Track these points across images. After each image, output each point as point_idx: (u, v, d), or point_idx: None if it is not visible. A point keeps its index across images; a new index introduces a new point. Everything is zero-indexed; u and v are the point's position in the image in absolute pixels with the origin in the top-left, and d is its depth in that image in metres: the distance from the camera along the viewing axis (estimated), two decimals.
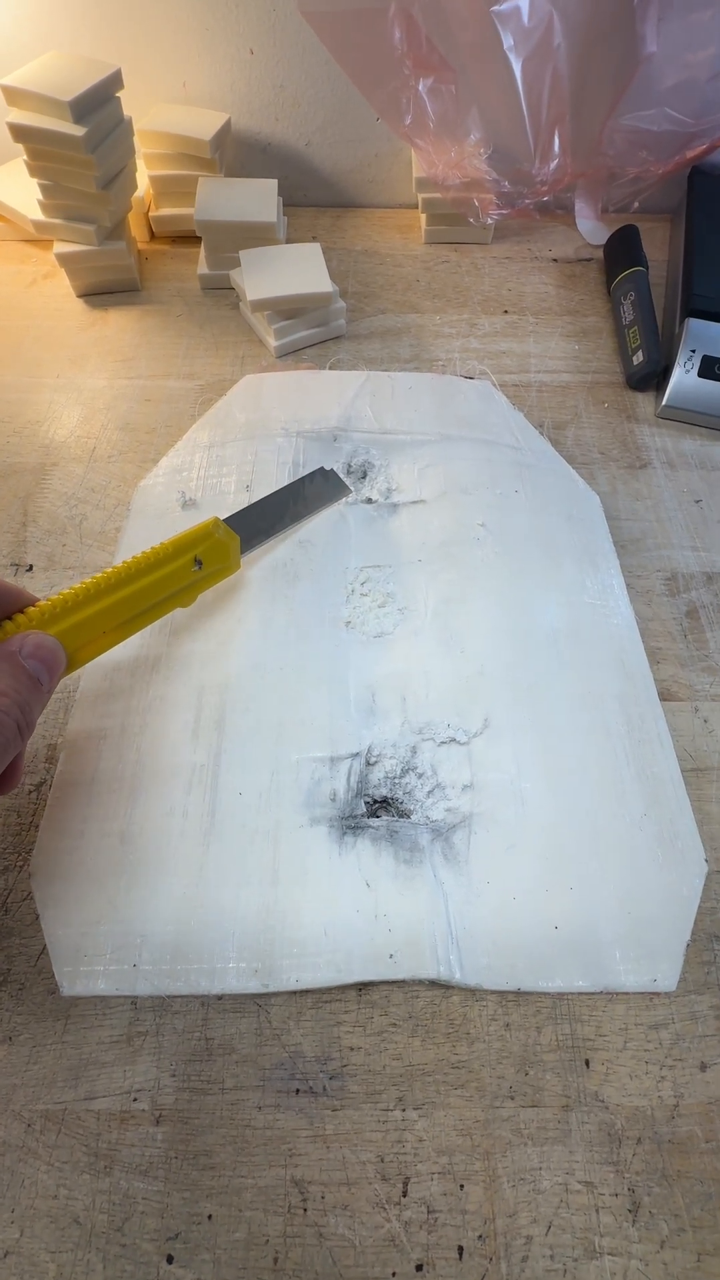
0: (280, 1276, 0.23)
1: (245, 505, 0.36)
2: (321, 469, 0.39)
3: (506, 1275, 0.23)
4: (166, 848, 0.28)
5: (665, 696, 0.35)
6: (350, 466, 0.42)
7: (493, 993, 0.28)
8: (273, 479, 0.40)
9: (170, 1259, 0.23)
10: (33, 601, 0.26)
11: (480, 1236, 0.24)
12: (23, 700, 0.22)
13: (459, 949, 0.27)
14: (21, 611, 0.25)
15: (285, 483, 0.40)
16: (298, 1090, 0.26)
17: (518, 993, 0.27)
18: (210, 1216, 0.24)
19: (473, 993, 0.28)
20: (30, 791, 0.32)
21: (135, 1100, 0.26)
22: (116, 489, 0.42)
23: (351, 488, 0.39)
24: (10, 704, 0.21)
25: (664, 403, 0.46)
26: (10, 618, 0.25)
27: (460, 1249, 0.24)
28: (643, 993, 0.28)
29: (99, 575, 0.28)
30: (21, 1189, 0.24)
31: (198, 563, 0.32)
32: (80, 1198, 0.24)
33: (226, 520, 0.34)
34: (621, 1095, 0.26)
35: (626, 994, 0.28)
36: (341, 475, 0.41)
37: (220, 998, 0.27)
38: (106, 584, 0.28)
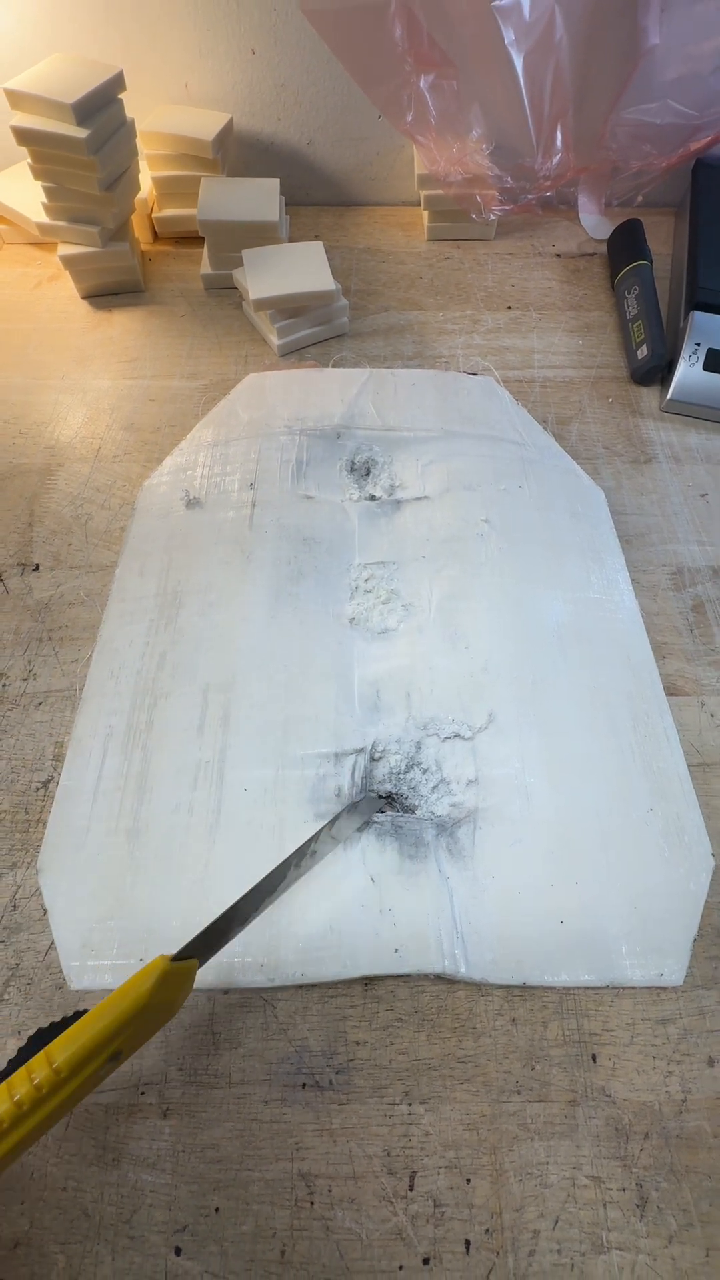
0: (287, 1269, 0.23)
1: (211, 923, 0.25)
2: (351, 803, 0.29)
3: (514, 1269, 0.23)
4: (173, 844, 0.29)
5: (671, 691, 0.35)
6: (354, 463, 0.42)
7: (498, 988, 0.27)
8: (276, 477, 0.40)
9: (178, 1251, 0.24)
10: None
11: (487, 1230, 0.24)
12: None
13: (464, 944, 0.27)
14: None
15: (289, 486, 0.38)
16: (304, 1084, 0.26)
17: (524, 987, 0.27)
18: (218, 1209, 0.24)
19: (478, 987, 0.28)
20: (38, 789, 0.32)
21: (143, 1094, 0.26)
22: (121, 488, 0.43)
23: (382, 804, 0.30)
24: None
25: (669, 397, 0.46)
26: None
27: (467, 1243, 0.24)
28: (649, 987, 0.27)
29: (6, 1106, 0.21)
30: (30, 1181, 0.25)
31: (112, 1059, 0.22)
32: (89, 1190, 0.24)
33: (185, 949, 0.24)
34: (629, 1090, 0.26)
35: (633, 989, 0.27)
36: (345, 473, 0.41)
37: (226, 992, 0.27)
38: (17, 1115, 0.20)
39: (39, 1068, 0.21)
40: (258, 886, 0.26)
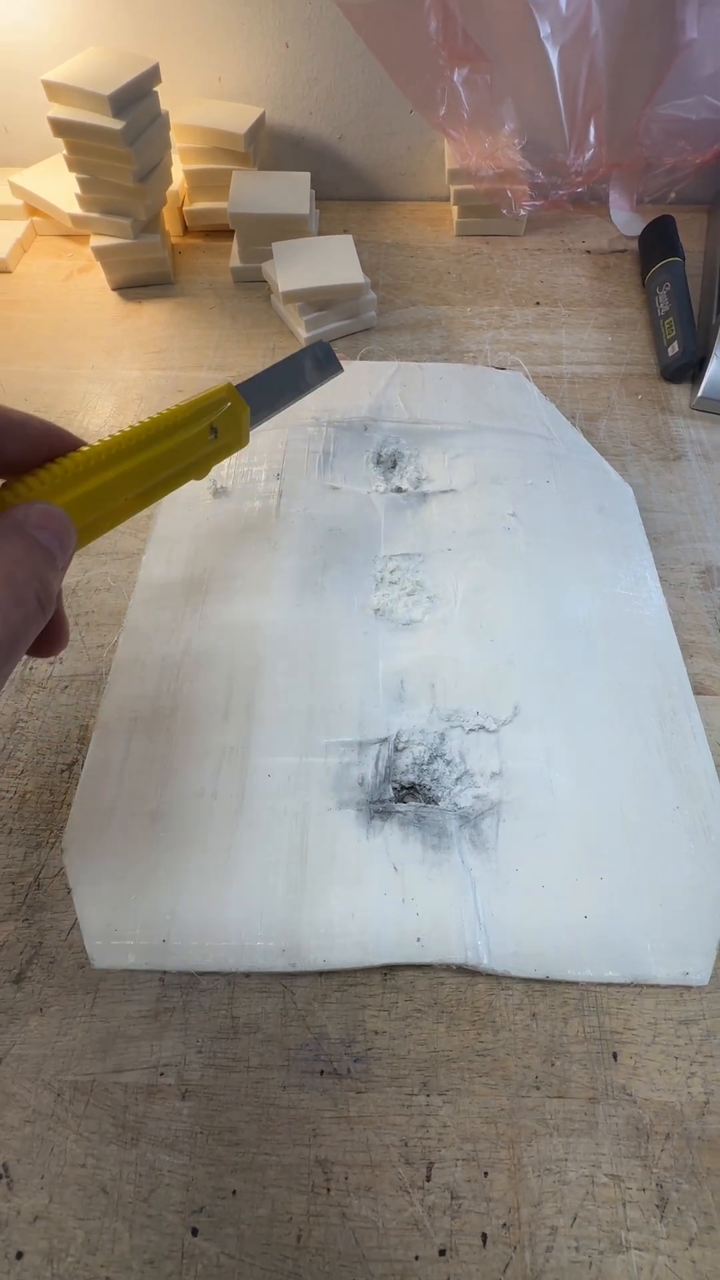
0: (303, 1254, 0.23)
1: (248, 377, 0.33)
2: (320, 342, 0.37)
3: (530, 1265, 0.23)
4: (196, 827, 0.29)
5: (699, 690, 0.34)
6: (380, 456, 0.42)
7: (519, 982, 0.27)
8: (303, 468, 0.40)
9: (195, 1231, 0.24)
10: (76, 446, 0.24)
11: (504, 1225, 0.24)
12: (40, 573, 0.19)
13: (487, 935, 0.27)
14: (44, 468, 0.22)
15: (315, 477, 0.39)
16: (322, 1071, 0.26)
17: (544, 982, 0.27)
18: (234, 1192, 0.24)
19: (499, 981, 0.27)
20: (62, 770, 0.32)
21: (162, 1075, 0.26)
22: None
23: (345, 367, 0.37)
24: (29, 576, 0.19)
25: (699, 394, 0.46)
26: (32, 474, 0.22)
27: (484, 1236, 0.24)
28: (673, 986, 0.27)
29: (109, 439, 0.25)
30: (51, 1156, 0.25)
31: (213, 431, 0.29)
32: (108, 1167, 0.25)
33: (239, 387, 0.31)
34: (650, 1090, 0.26)
35: (656, 987, 0.27)
36: (371, 465, 0.41)
37: (247, 976, 0.27)
38: (118, 450, 0.25)
39: (166, 410, 0.27)
40: (276, 369, 0.34)
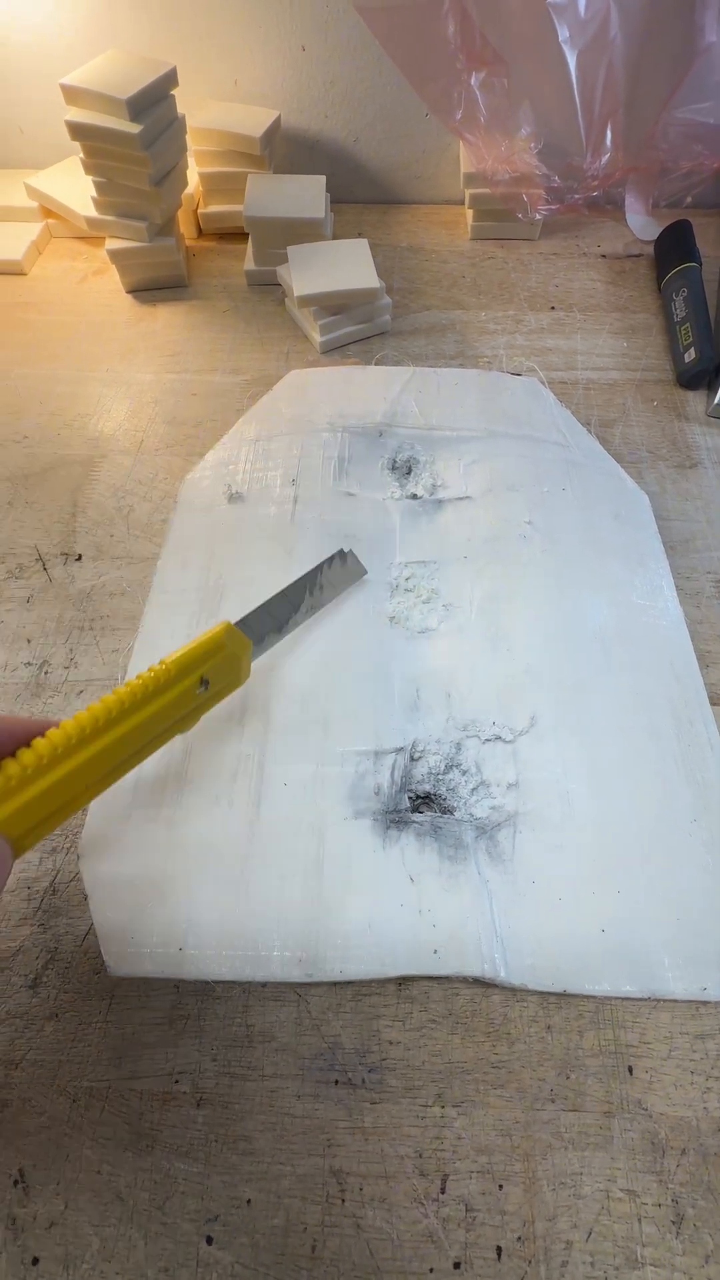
0: (317, 1265, 0.23)
1: (258, 604, 0.32)
2: (340, 551, 0.35)
3: (546, 1279, 0.23)
4: (212, 835, 0.29)
5: (716, 701, 0.34)
6: (396, 462, 0.41)
7: (534, 994, 0.27)
8: (318, 474, 0.40)
9: (209, 1240, 0.24)
10: (41, 730, 0.22)
11: (519, 1238, 0.24)
12: None
13: (504, 948, 0.27)
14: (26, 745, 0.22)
15: (330, 483, 0.39)
16: (336, 1081, 0.26)
17: (560, 995, 0.27)
18: (249, 1201, 0.24)
19: (514, 993, 0.27)
20: None
21: (177, 1082, 0.26)
22: (164, 481, 0.43)
23: (368, 568, 0.35)
24: None
25: (716, 401, 0.45)
26: None
27: (499, 1249, 0.24)
28: (689, 1001, 0.27)
29: (75, 720, 0.23)
30: (67, 1162, 0.25)
31: (204, 683, 0.27)
32: (123, 1174, 0.25)
33: (239, 623, 0.30)
34: (666, 1104, 0.26)
35: (672, 1001, 0.27)
36: (386, 471, 0.41)
37: (263, 985, 0.27)
38: (78, 737, 0.22)
39: (152, 670, 0.26)
40: (281, 595, 0.33)
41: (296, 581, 0.34)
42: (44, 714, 0.34)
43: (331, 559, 0.35)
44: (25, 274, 0.55)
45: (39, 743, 0.22)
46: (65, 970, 0.28)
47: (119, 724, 0.24)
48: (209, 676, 0.27)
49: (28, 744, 0.22)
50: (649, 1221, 0.24)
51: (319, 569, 0.34)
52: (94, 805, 0.31)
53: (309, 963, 0.26)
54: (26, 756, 0.21)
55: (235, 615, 0.34)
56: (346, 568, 0.35)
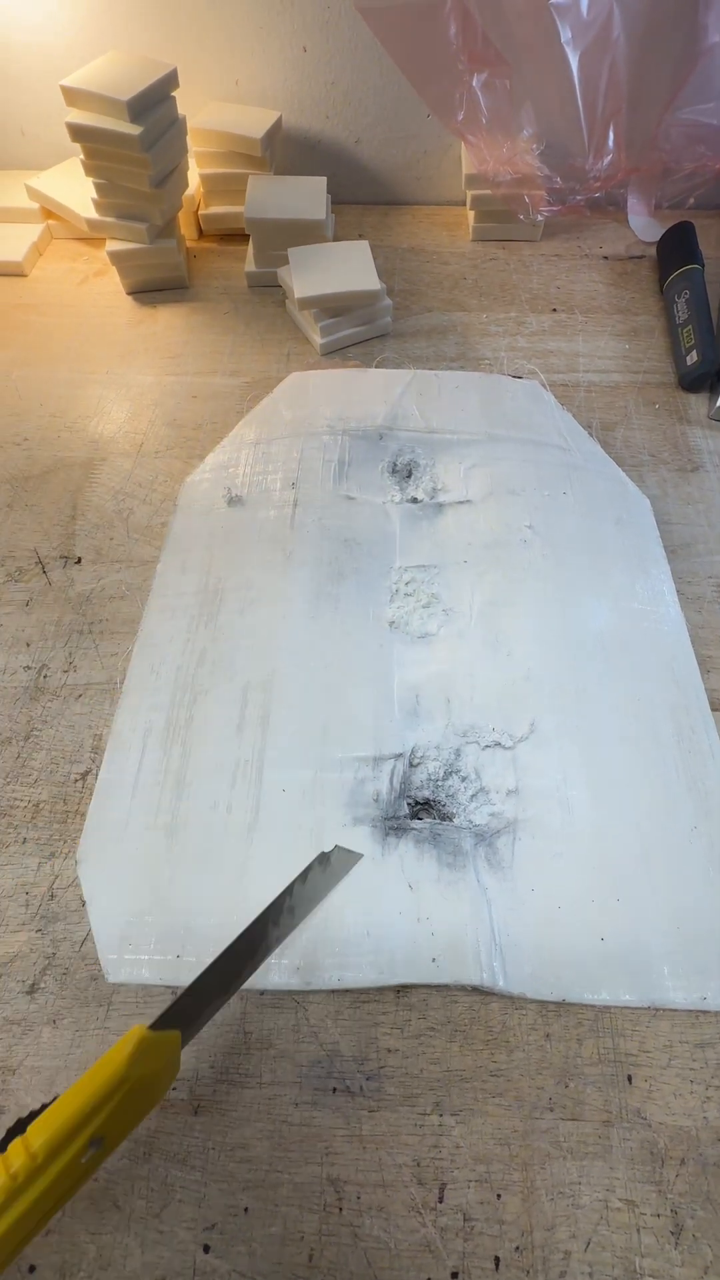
0: (315, 1274, 0.23)
1: (191, 981, 0.24)
2: (321, 852, 0.28)
3: None
4: (210, 841, 0.29)
5: (717, 707, 0.34)
6: (396, 465, 0.41)
7: (533, 1002, 0.27)
8: (318, 477, 0.40)
9: (206, 1249, 0.24)
10: None
11: (517, 1248, 0.24)
12: None
13: (503, 956, 0.27)
14: None
15: (330, 487, 0.39)
16: (334, 1089, 0.26)
17: (560, 1003, 0.27)
18: (247, 1209, 0.24)
19: (513, 1001, 0.27)
20: (76, 780, 0.32)
21: (175, 1089, 0.26)
22: (163, 484, 0.43)
23: (364, 852, 0.28)
24: None
25: (719, 404, 0.45)
26: None
27: (497, 1260, 0.23)
28: (690, 1010, 0.27)
29: None
30: None
31: (94, 1144, 0.21)
32: (120, 1182, 0.25)
33: (162, 1017, 0.23)
34: (665, 1114, 0.26)
35: (672, 1010, 0.27)
36: (387, 474, 0.41)
37: (261, 993, 0.27)
38: None
39: (15, 1155, 0.19)
40: (233, 948, 0.25)
41: (254, 921, 0.26)
42: (42, 718, 0.34)
43: (307, 869, 0.27)
44: (26, 275, 0.55)
45: None
46: (63, 976, 0.28)
47: None
48: (102, 1132, 0.21)
49: None
50: (648, 1232, 0.24)
51: (287, 891, 0.27)
52: (92, 810, 0.31)
53: (307, 971, 0.26)
54: None
55: (232, 620, 0.33)
56: (328, 870, 0.28)
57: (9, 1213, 0.19)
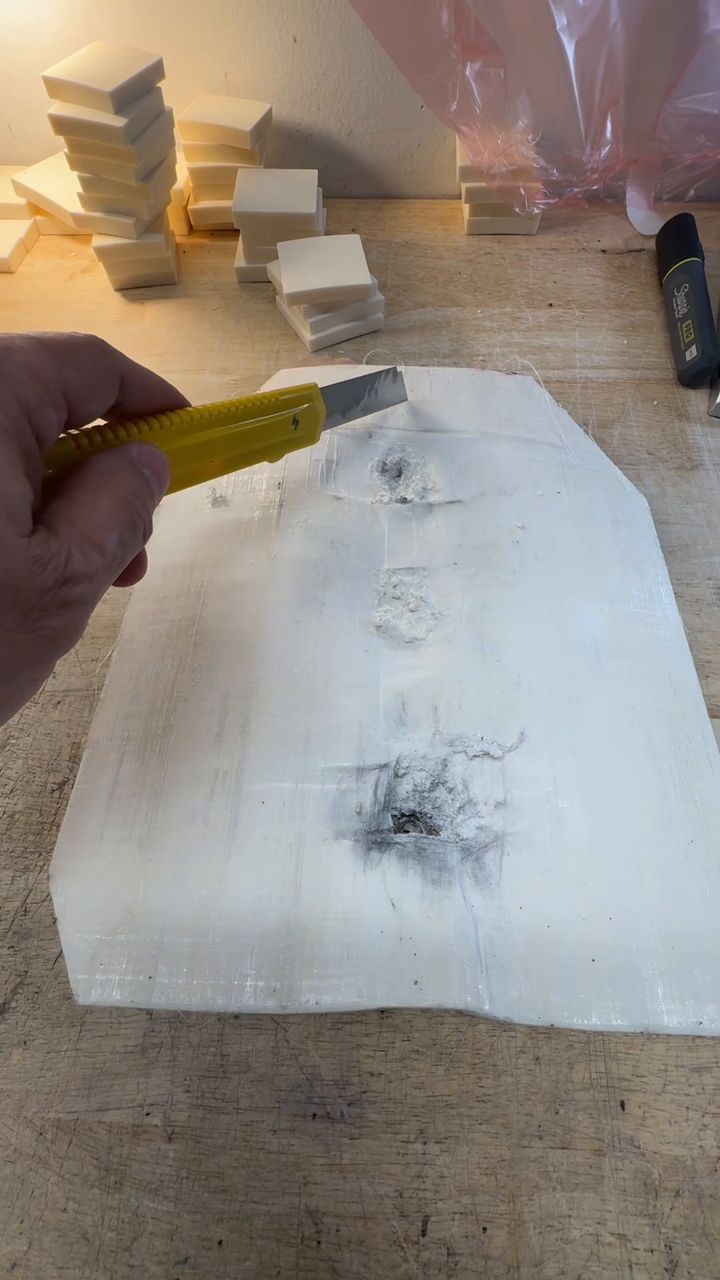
0: None
1: (328, 384, 0.36)
2: (393, 369, 0.41)
3: None
4: (186, 856, 0.28)
5: (716, 714, 0.33)
6: (385, 464, 0.40)
7: (523, 1025, 0.26)
8: (305, 476, 0.39)
9: None
10: (183, 405, 0.26)
11: None
12: (146, 502, 0.22)
13: (489, 978, 0.25)
14: (155, 418, 0.25)
15: (317, 487, 0.39)
16: (314, 1115, 0.25)
17: (550, 1027, 0.26)
18: (221, 1242, 0.23)
19: (501, 1023, 0.26)
20: (53, 790, 0.31)
21: (148, 1114, 0.25)
22: None
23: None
24: (141, 504, 0.22)
25: (718, 400, 0.44)
26: (145, 421, 0.25)
27: None
28: (686, 1035, 0.26)
29: (208, 406, 0.27)
30: (31, 1199, 0.24)
31: (295, 422, 0.32)
32: (90, 1213, 0.24)
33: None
34: (659, 1142, 0.25)
35: (667, 1034, 0.26)
36: (375, 474, 0.40)
37: (237, 1016, 0.26)
38: (214, 417, 0.27)
39: (256, 394, 0.30)
40: (347, 385, 0.38)
41: (357, 379, 0.38)
42: (20, 726, 0.33)
43: (387, 372, 0.40)
44: (13, 272, 0.54)
45: (181, 414, 0.26)
46: (35, 995, 0.27)
47: (238, 421, 0.29)
48: (299, 419, 0.33)
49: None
50: (640, 1268, 0.23)
51: (376, 376, 0.39)
52: (65, 823, 0.30)
53: (283, 993, 0.25)
54: (177, 416, 0.25)
55: (218, 622, 0.33)
56: (396, 385, 0.40)
57: (259, 418, 0.30)
